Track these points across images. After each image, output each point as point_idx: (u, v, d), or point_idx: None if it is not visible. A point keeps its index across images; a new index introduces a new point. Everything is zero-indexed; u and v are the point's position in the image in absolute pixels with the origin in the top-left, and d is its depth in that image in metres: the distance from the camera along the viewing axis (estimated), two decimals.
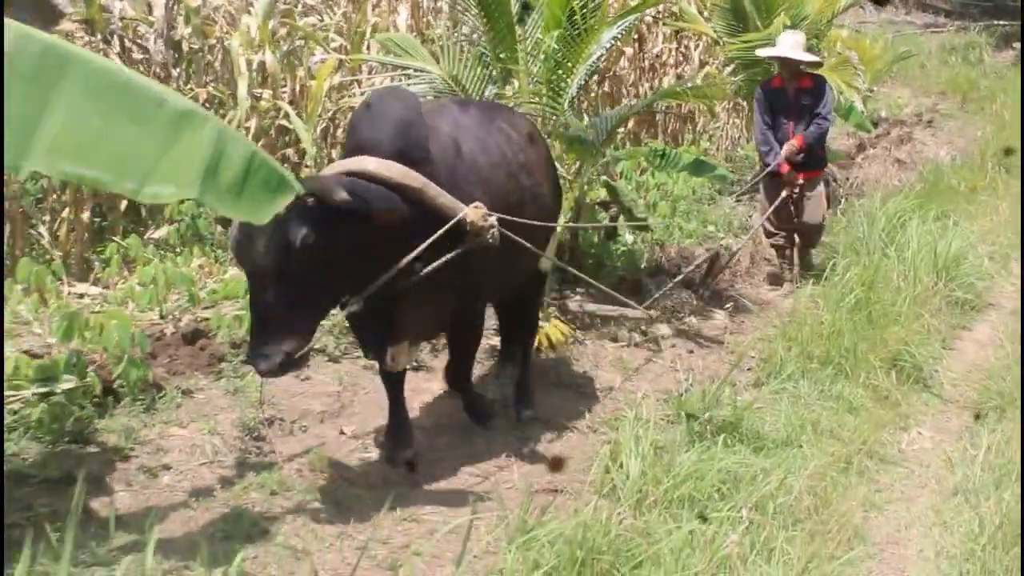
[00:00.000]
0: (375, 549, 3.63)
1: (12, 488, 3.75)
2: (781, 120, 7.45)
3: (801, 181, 7.44)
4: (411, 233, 3.91)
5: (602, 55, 6.48)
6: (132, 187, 2.13)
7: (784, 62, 7.39)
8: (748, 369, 5.61)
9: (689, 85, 7.95)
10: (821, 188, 7.68)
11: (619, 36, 6.59)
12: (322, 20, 8.22)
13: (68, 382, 4.21)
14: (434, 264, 3.95)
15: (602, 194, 7.19)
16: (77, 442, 4.15)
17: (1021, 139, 8.94)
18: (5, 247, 5.58)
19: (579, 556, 3.23)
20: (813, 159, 7.49)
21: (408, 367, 4.52)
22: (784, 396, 5.08)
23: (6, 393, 4.13)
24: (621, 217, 7.10)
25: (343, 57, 7.44)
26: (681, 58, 10.94)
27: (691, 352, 6.06)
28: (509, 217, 4.26)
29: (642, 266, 7.22)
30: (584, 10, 6.19)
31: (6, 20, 2.08)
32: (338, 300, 3.93)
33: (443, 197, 3.99)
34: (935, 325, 6.44)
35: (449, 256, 3.97)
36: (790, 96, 7.41)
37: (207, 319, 5.19)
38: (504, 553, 3.36)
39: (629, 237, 7.42)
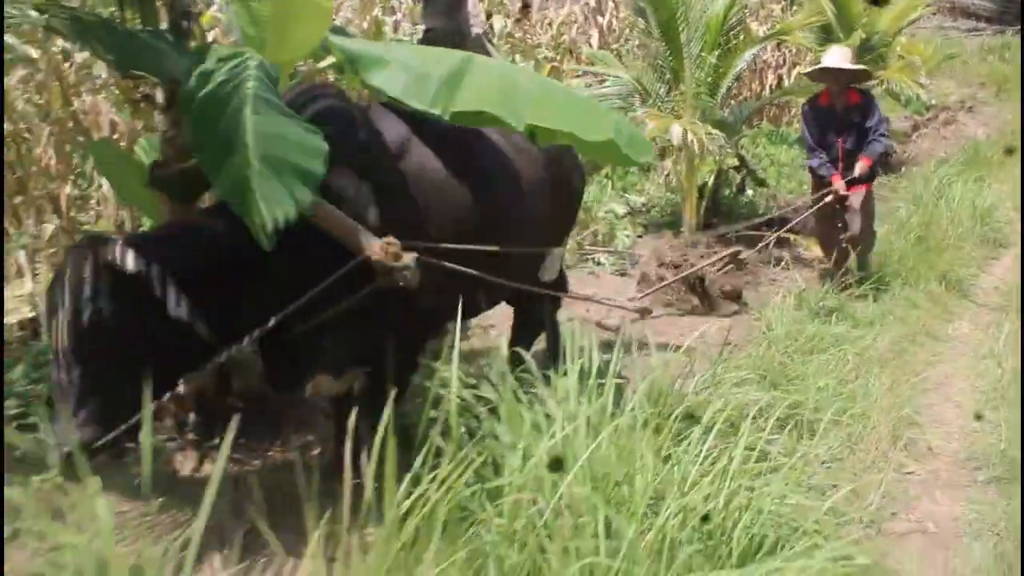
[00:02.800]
0: None
1: None
2: (830, 137, 6.12)
3: (849, 193, 6.14)
4: (305, 266, 2.75)
5: (744, 66, 7.45)
6: (581, 135, 3.20)
7: (831, 74, 6.02)
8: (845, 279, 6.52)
9: (800, 86, 8.78)
10: (861, 198, 6.18)
11: (757, 53, 7.56)
12: (533, 38, 9.31)
13: None
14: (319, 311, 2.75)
15: (733, 161, 8.17)
16: None
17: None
18: None
19: (760, 373, 4.36)
20: (869, 172, 6.18)
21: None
22: (870, 295, 6.04)
23: None
24: (747, 176, 8.14)
25: (555, 64, 8.54)
26: (782, 61, 11.68)
27: (809, 270, 7.03)
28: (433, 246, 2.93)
29: (760, 211, 8.19)
30: (731, 32, 7.21)
31: (493, 58, 3.27)
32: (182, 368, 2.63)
33: (341, 226, 2.78)
34: (973, 254, 7.31)
35: (357, 296, 2.79)
36: (839, 112, 6.09)
37: None
38: (710, 372, 4.38)
39: (750, 192, 8.44)
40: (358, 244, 2.78)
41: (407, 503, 2.08)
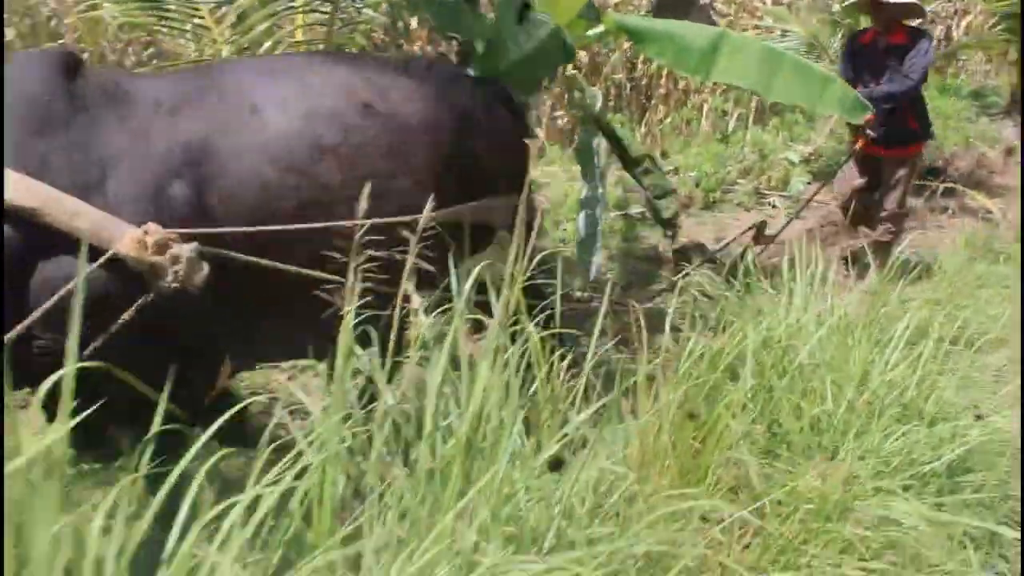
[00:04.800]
0: None
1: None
2: (865, 79, 5.23)
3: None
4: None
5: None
6: (812, 108, 3.98)
7: (875, 8, 5.22)
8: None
9: (975, 40, 9.03)
10: (904, 172, 5.46)
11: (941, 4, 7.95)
12: None
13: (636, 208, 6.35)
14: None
15: None
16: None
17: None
18: None
19: (934, 300, 5.00)
20: (900, 133, 5.28)
21: None
22: None
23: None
24: None
25: (731, 20, 9.10)
26: (952, 11, 11.77)
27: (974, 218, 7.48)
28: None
29: (925, 163, 8.60)
30: None
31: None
32: None
33: (81, 218, 2.16)
34: None
35: (123, 319, 2.14)
36: (879, 52, 5.22)
37: None
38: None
39: None
40: (103, 235, 2.17)
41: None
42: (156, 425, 1.74)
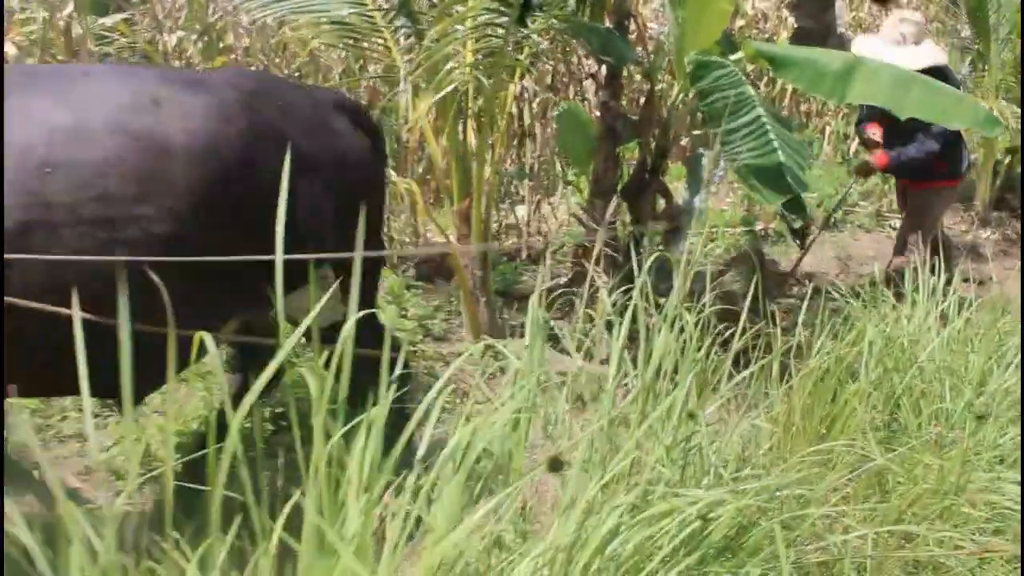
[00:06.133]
0: None
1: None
2: (883, 124, 5.20)
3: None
4: None
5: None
6: (945, 122, 4.21)
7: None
8: None
9: None
10: (926, 205, 5.36)
11: None
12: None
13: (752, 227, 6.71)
14: None
15: None
16: None
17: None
18: None
19: None
20: (922, 170, 5.15)
21: None
22: None
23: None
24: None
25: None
26: None
27: None
28: None
29: None
30: None
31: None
32: None
33: None
34: None
35: None
36: None
37: None
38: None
39: None
40: None
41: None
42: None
